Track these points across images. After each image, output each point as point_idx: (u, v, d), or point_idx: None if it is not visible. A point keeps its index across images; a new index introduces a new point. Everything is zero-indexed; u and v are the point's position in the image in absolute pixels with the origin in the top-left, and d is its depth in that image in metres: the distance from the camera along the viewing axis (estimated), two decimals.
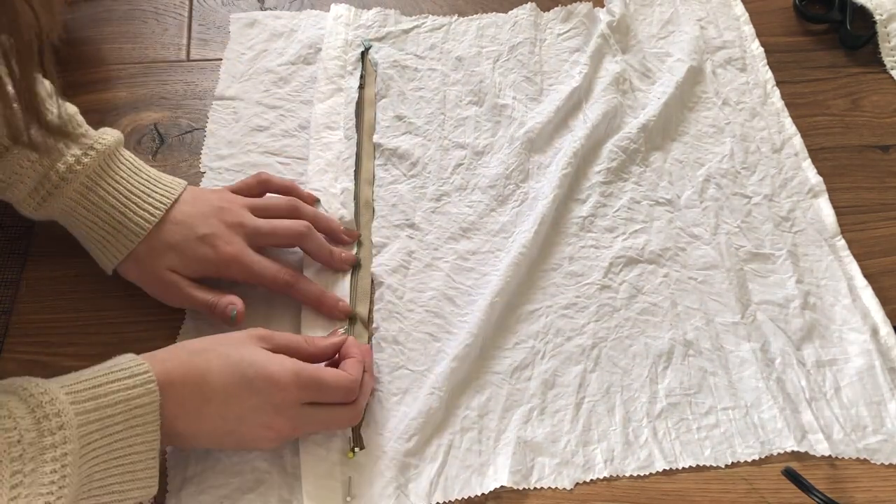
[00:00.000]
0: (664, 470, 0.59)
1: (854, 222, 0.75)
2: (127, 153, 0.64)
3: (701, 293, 0.69)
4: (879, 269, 0.71)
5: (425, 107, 0.80)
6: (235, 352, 0.54)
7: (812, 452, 0.60)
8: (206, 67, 0.82)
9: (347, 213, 0.70)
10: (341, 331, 0.63)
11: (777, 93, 0.84)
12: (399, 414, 0.61)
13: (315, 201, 0.71)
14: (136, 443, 0.50)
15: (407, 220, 0.72)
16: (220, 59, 0.82)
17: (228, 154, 0.75)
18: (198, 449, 0.57)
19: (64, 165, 0.60)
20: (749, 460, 0.60)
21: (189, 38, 0.85)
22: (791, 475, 0.57)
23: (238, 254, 0.62)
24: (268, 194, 0.69)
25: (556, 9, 0.89)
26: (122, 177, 0.62)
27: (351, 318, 0.65)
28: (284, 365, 0.54)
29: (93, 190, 0.61)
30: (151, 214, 0.61)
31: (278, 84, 0.80)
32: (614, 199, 0.75)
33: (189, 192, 0.64)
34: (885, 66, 0.88)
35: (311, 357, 0.58)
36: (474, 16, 0.88)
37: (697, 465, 0.60)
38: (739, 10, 0.92)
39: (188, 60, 0.83)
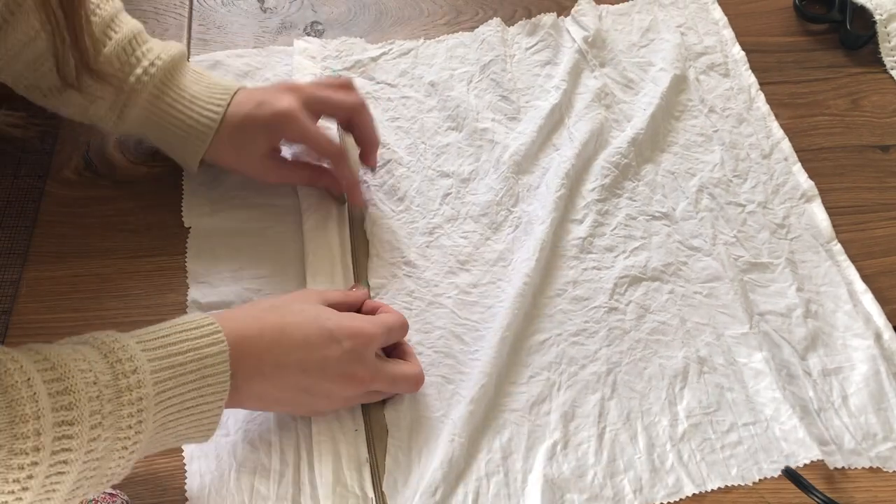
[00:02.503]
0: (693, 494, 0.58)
1: (854, 222, 0.74)
2: (189, 65, 0.69)
3: (708, 307, 0.68)
4: (879, 270, 0.71)
5: (404, 137, 0.77)
6: (310, 308, 0.57)
7: (826, 464, 0.59)
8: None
9: None
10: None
11: (762, 97, 0.83)
12: (421, 467, 0.58)
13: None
14: (208, 393, 0.50)
15: (402, 257, 0.69)
16: (221, 60, 0.82)
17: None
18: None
19: (134, 78, 0.64)
20: (775, 476, 0.59)
21: (189, 38, 0.84)
22: (791, 475, 0.57)
23: (295, 107, 0.66)
24: None
25: (520, 22, 0.87)
26: (185, 84, 0.67)
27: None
28: (357, 317, 0.58)
29: (160, 98, 0.66)
30: (217, 105, 0.66)
31: None
32: (610, 216, 0.73)
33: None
34: (885, 66, 0.88)
35: (350, 309, 0.61)
36: (441, 37, 0.86)
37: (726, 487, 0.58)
38: (718, 14, 0.91)
39: (188, 60, 0.79)
